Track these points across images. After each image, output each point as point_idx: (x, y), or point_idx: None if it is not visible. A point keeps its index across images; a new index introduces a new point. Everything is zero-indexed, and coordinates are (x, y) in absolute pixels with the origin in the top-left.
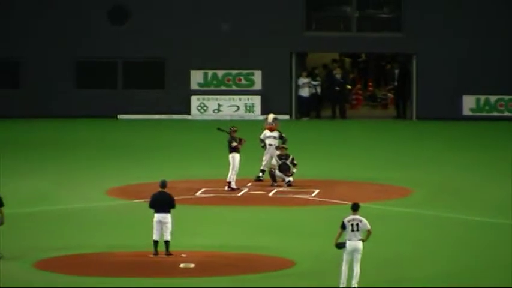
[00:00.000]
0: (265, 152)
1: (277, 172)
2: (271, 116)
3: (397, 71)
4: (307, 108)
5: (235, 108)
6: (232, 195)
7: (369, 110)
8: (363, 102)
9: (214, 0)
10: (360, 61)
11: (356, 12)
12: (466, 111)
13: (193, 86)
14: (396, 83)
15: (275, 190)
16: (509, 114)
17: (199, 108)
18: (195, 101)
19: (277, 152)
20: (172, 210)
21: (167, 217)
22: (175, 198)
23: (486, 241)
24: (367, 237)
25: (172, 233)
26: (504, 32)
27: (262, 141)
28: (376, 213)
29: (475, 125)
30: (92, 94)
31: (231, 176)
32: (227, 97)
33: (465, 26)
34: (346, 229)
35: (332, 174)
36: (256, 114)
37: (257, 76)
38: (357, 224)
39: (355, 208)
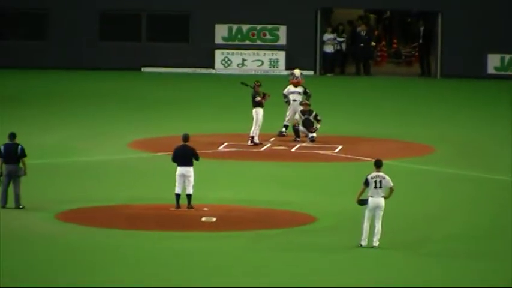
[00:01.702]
0: (289, 107)
1: (300, 127)
2: (298, 71)
3: (422, 29)
4: (332, 64)
5: (260, 63)
6: (255, 150)
7: (393, 67)
8: (388, 59)
9: None
10: (384, 18)
11: None
12: (491, 70)
13: (218, 40)
14: (421, 41)
15: (298, 145)
16: None
17: (224, 62)
18: (219, 55)
19: (301, 108)
20: (194, 164)
21: (190, 170)
22: (198, 152)
23: (508, 200)
24: (389, 194)
25: (194, 187)
26: None
27: (286, 96)
28: (398, 171)
29: (500, 83)
30: (116, 46)
31: (254, 131)
32: (251, 52)
33: None
34: (369, 186)
35: (355, 130)
36: (281, 69)
37: (282, 31)
38: (380, 181)
39: (378, 165)
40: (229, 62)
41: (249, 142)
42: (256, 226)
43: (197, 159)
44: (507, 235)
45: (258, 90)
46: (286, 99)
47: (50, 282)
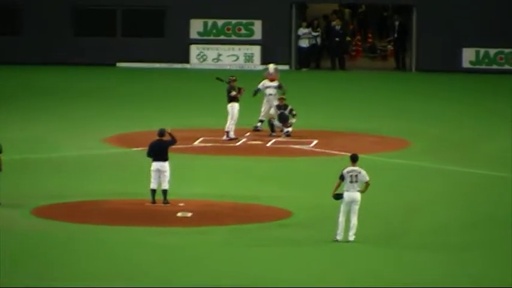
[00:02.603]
0: (264, 101)
1: (276, 122)
2: (272, 67)
3: (397, 23)
4: (307, 59)
5: (235, 57)
6: (231, 144)
7: (368, 61)
8: (363, 54)
9: None
10: (359, 12)
11: None
12: (466, 64)
13: (193, 35)
14: (396, 35)
15: (273, 140)
16: (509, 67)
17: (199, 57)
18: (194, 50)
19: (276, 102)
20: (170, 159)
21: (165, 165)
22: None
23: (484, 193)
24: (365, 188)
25: (170, 182)
26: None
27: (258, 90)
28: (374, 165)
29: (474, 77)
30: (91, 42)
31: (230, 126)
32: (227, 47)
33: None
34: (345, 180)
35: (331, 125)
36: (256, 64)
37: (257, 26)
38: (356, 176)
39: (354, 159)
40: (204, 57)
41: (225, 137)
42: (232, 221)
43: (174, 143)
44: (483, 228)
45: (234, 85)
46: (254, 93)
47: (26, 277)
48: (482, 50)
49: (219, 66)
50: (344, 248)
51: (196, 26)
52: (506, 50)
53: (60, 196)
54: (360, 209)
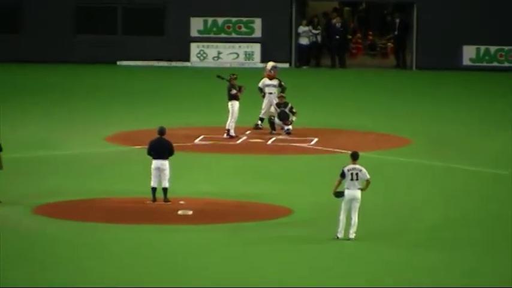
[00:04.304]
0: (264, 100)
1: (276, 120)
2: (270, 64)
3: (397, 21)
4: (307, 57)
5: (235, 55)
6: (231, 142)
7: (368, 59)
8: (363, 52)
9: None
10: (360, 10)
11: None
12: (466, 61)
13: (193, 33)
14: (396, 33)
15: (274, 138)
16: (509, 64)
17: (199, 55)
18: (194, 48)
19: (276, 100)
20: (170, 157)
21: (165, 164)
22: (173, 145)
23: (484, 191)
24: (366, 186)
25: (170, 180)
26: None
27: (261, 89)
28: (374, 163)
29: (475, 75)
30: (91, 40)
31: (230, 124)
32: (227, 45)
33: None
34: (346, 178)
35: (331, 123)
36: (256, 61)
37: (257, 24)
38: (357, 174)
39: (355, 157)
40: (204, 55)
41: (225, 135)
42: (233, 219)
43: (171, 154)
44: (486, 225)
45: (234, 83)
46: (262, 94)
47: (28, 276)
48: (482, 48)
49: (219, 64)
50: (345, 245)
51: (196, 24)
52: (507, 48)
53: (61, 194)
54: (360, 207)
